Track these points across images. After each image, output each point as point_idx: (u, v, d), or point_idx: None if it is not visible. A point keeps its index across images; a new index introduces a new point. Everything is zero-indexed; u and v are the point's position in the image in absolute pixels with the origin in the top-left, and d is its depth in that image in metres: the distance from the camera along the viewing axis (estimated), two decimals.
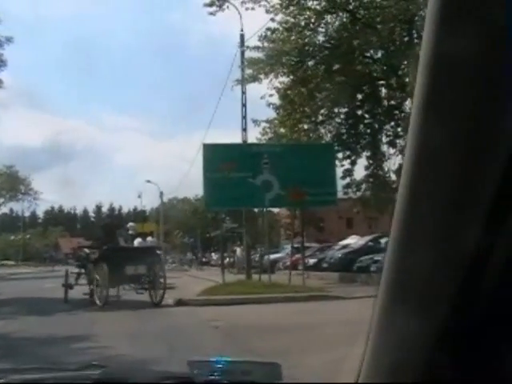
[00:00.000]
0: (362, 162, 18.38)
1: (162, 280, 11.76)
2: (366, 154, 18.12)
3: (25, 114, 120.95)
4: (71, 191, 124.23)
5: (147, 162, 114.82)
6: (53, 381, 1.42)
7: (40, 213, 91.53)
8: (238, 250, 28.18)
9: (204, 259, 42.27)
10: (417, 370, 0.77)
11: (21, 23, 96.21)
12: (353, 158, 18.07)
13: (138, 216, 76.92)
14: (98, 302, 11.34)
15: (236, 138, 20.45)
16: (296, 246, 25.84)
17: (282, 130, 18.87)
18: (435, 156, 0.69)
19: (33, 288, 18.32)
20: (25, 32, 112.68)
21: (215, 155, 16.27)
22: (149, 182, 45.51)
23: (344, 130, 18.09)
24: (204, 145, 16.83)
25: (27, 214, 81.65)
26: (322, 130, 18.90)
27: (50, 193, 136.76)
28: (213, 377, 1.31)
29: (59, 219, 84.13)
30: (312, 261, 23.45)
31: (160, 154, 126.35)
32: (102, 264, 11.53)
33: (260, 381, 1.33)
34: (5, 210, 78.31)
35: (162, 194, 44.50)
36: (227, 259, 31.18)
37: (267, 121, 19.27)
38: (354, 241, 25.90)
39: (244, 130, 20.42)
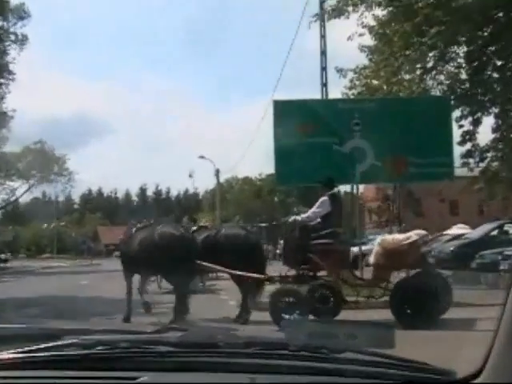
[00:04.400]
0: (489, 121, 16.91)
1: None
2: (494, 110, 16.61)
3: (52, 77, 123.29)
4: (110, 171, 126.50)
5: (199, 135, 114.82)
6: (128, 344, 1.53)
7: (76, 197, 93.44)
8: None
9: (278, 251, 41.19)
10: None
11: None
12: (476, 116, 16.56)
13: (190, 200, 77.02)
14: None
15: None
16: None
17: (376, 82, 17.25)
18: None
19: (66, 285, 19.17)
20: None
21: (289, 115, 15.08)
22: (202, 157, 44.33)
23: (463, 78, 16.18)
24: (275, 102, 15.63)
25: (61, 198, 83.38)
26: (430, 82, 17.07)
27: (86, 174, 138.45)
28: (310, 339, 1.46)
29: (98, 204, 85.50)
30: None
31: (214, 125, 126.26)
32: None
33: (367, 346, 1.44)
34: (36, 193, 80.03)
35: (218, 171, 43.35)
36: None
37: (356, 70, 17.64)
38: (461, 232, 24.47)
39: (324, 84, 18.98)
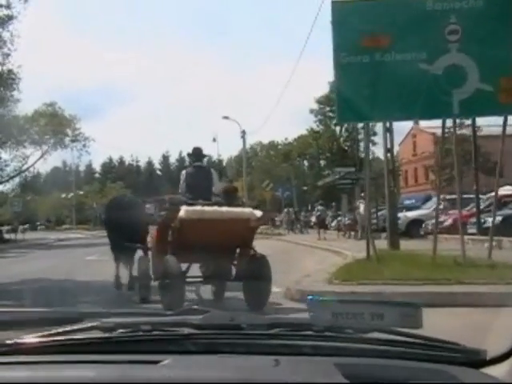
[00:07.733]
0: None
1: None
2: None
3: (71, 45, 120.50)
4: (132, 139, 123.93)
5: (222, 97, 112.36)
6: (149, 326, 1.48)
7: (97, 166, 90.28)
8: (362, 206, 22.74)
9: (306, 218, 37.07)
10: None
11: None
12: None
13: (213, 167, 73.35)
14: None
15: None
16: (449, 197, 21.90)
17: None
18: None
19: (69, 262, 17.31)
20: None
21: (354, 22, 11.13)
22: (226, 118, 40.31)
23: None
24: (334, 3, 11.56)
25: (82, 167, 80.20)
26: None
27: (107, 142, 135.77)
28: (335, 320, 1.33)
29: (119, 173, 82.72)
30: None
31: (237, 89, 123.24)
32: None
33: (395, 326, 1.35)
34: (52, 161, 76.72)
35: (244, 132, 39.02)
36: (340, 219, 27.46)
37: None
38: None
39: None
